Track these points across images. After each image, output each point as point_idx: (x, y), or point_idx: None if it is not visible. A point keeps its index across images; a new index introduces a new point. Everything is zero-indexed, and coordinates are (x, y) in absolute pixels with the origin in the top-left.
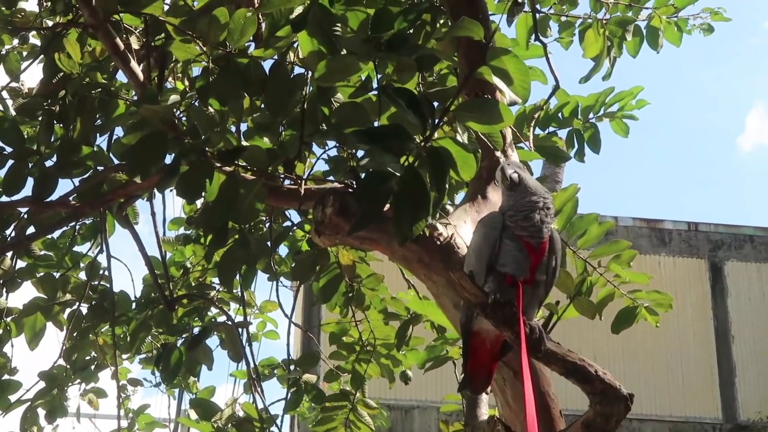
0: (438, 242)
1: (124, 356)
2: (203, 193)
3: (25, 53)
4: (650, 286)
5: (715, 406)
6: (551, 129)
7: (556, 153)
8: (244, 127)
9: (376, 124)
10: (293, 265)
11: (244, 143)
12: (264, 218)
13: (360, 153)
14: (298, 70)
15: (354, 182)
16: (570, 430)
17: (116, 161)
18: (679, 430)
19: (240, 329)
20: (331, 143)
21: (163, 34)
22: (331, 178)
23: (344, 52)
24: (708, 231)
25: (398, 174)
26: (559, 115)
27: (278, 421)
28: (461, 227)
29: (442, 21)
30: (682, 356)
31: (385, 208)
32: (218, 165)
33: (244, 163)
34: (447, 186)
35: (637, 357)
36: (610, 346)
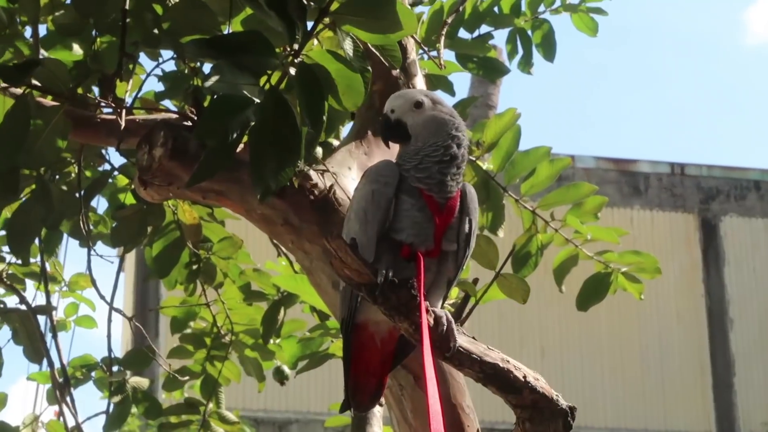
0: (312, 197)
1: None
2: None
3: None
4: (622, 247)
5: (707, 416)
6: (484, 30)
7: (489, 65)
8: (43, 30)
9: (227, 30)
10: (114, 226)
11: (43, 54)
12: (71, 160)
13: (206, 68)
14: None
15: (195, 111)
16: None
17: None
18: None
19: (38, 315)
20: (167, 54)
21: None
22: (168, 102)
23: None
24: (698, 175)
25: (257, 100)
26: (495, 9)
27: None
28: (344, 176)
29: None
30: (663, 348)
31: (239, 149)
32: (3, 85)
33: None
34: (324, 117)
35: (601, 350)
36: (564, 336)
